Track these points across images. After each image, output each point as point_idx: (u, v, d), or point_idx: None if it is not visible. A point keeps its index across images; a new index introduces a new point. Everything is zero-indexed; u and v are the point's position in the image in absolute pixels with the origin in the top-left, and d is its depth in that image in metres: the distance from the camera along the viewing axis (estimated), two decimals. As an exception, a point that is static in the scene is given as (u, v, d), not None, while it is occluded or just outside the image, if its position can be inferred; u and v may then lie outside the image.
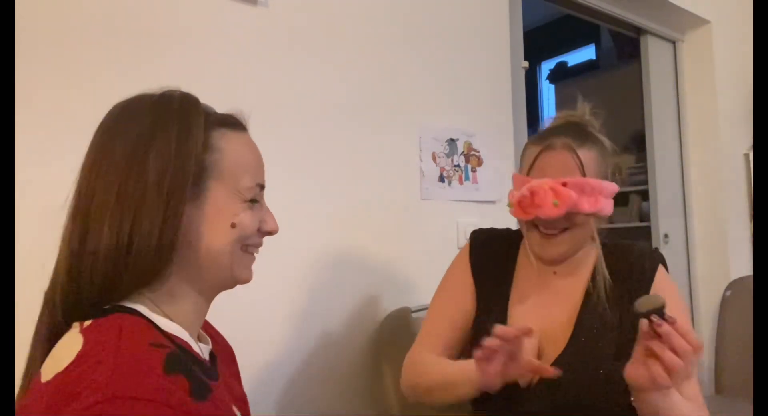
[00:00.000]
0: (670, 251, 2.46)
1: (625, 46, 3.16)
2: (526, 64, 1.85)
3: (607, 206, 0.88)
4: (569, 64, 3.75)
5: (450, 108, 1.56)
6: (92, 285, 0.53)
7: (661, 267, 0.93)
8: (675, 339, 0.67)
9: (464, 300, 1.00)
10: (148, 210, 0.53)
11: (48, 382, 0.48)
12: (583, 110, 0.97)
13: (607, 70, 3.41)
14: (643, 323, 0.69)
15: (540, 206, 0.84)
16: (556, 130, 0.92)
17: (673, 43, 2.61)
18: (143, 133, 0.55)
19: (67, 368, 0.48)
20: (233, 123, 0.63)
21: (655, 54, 2.53)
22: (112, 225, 0.52)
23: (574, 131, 0.91)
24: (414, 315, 1.30)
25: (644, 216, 2.82)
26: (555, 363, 0.87)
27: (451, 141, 1.54)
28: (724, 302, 2.23)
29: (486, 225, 1.09)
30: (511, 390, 0.89)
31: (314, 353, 1.25)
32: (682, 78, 2.59)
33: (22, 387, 0.56)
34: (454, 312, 1.00)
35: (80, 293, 0.53)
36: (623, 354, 0.80)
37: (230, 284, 0.63)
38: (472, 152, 1.57)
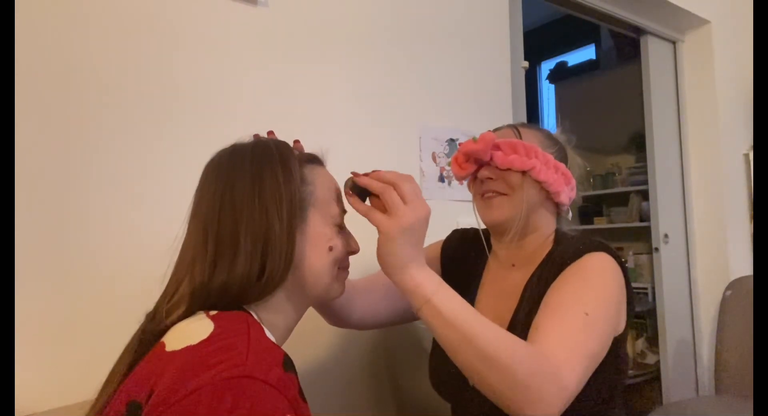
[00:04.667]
0: (670, 251, 2.46)
1: (625, 46, 3.16)
2: (526, 64, 1.85)
3: (545, 173, 0.88)
4: (569, 64, 3.75)
5: (450, 108, 1.56)
6: (218, 299, 0.61)
7: (590, 257, 0.82)
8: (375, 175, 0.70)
9: None
10: (278, 238, 0.62)
11: (176, 351, 0.55)
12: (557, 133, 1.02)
13: (607, 70, 3.41)
14: (350, 199, 0.72)
15: (462, 144, 0.92)
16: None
17: (673, 43, 2.61)
18: (254, 175, 0.64)
19: (201, 342, 0.54)
20: (316, 159, 0.73)
21: (655, 54, 2.53)
22: (247, 251, 0.61)
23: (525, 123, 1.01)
24: (414, 315, 1.30)
25: (644, 216, 2.82)
26: None
27: (451, 141, 1.54)
28: (724, 302, 2.23)
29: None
30: (456, 389, 0.89)
31: (314, 354, 1.25)
32: (682, 78, 2.59)
33: (116, 372, 0.62)
34: None
35: (204, 306, 0.61)
36: None
37: (323, 300, 0.73)
38: (472, 152, 1.58)
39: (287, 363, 0.56)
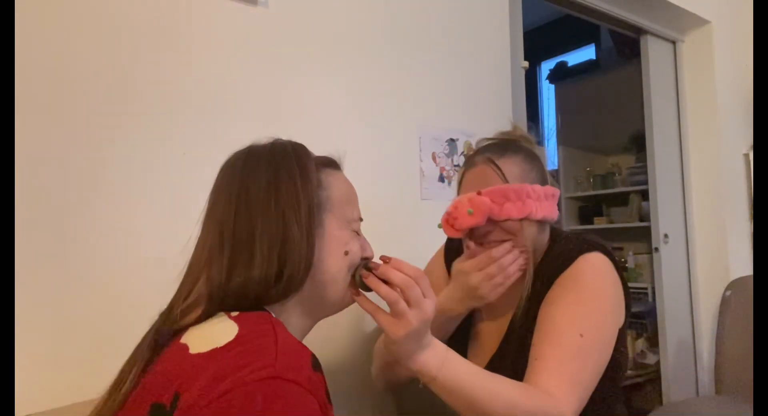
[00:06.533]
0: (670, 251, 2.46)
1: (625, 46, 3.16)
2: (526, 64, 1.85)
3: (541, 209, 0.85)
4: (569, 64, 3.74)
5: (450, 108, 1.56)
6: (237, 300, 0.60)
7: (584, 259, 0.84)
8: (388, 273, 0.66)
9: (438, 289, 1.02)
10: (296, 242, 0.61)
11: (202, 354, 0.54)
12: (518, 129, 0.98)
13: (607, 70, 3.41)
14: (358, 298, 0.69)
15: (457, 217, 0.87)
16: (482, 149, 0.94)
17: (673, 43, 2.61)
18: (271, 178, 0.63)
19: (228, 344, 0.54)
20: (333, 163, 0.72)
21: (655, 54, 2.53)
22: (263, 254, 0.60)
23: (497, 146, 0.92)
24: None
25: (644, 216, 2.82)
26: (491, 360, 0.89)
27: (451, 141, 1.54)
28: (724, 302, 2.23)
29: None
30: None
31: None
32: (682, 78, 2.59)
33: (122, 379, 0.61)
34: None
35: (222, 307, 0.60)
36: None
37: (337, 306, 0.70)
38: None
39: (315, 363, 0.55)
